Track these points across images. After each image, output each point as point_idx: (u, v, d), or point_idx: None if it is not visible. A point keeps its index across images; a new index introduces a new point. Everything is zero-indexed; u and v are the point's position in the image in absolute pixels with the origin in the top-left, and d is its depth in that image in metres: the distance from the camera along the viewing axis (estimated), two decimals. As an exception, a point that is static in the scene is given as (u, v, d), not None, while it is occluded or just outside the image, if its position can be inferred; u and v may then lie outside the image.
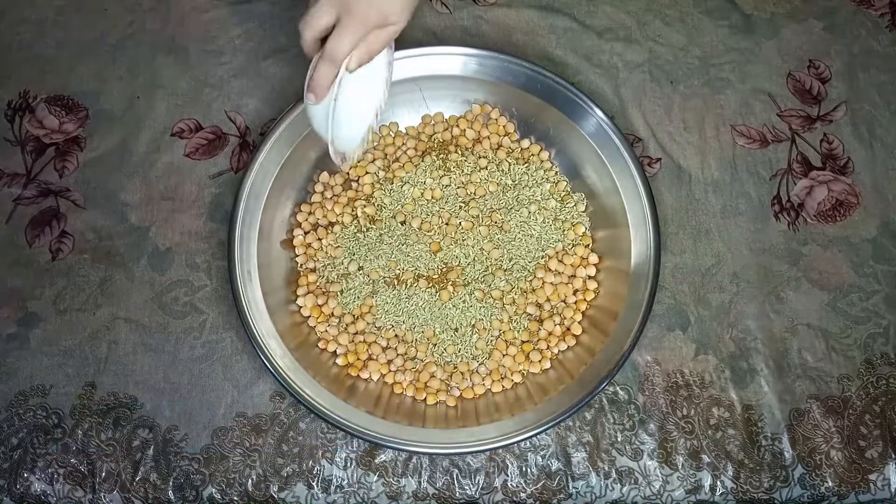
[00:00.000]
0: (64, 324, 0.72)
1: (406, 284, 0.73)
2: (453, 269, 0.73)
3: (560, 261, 0.73)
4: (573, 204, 0.75)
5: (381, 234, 0.74)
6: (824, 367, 0.71)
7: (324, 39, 0.59)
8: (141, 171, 0.78)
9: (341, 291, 0.73)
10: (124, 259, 0.74)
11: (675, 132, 0.79)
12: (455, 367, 0.71)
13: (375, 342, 0.71)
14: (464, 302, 0.72)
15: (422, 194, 0.76)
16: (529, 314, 0.72)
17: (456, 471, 0.69)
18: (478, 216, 0.75)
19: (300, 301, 0.72)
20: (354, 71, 0.60)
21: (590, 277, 0.73)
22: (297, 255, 0.74)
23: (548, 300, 0.72)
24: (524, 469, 0.69)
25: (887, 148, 0.79)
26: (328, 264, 0.74)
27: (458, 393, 0.70)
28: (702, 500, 0.68)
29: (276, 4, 0.85)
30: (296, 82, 0.81)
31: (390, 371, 0.71)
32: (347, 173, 0.77)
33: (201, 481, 0.68)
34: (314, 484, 0.68)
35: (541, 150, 0.77)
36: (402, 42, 0.82)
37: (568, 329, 0.72)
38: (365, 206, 0.75)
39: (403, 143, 0.78)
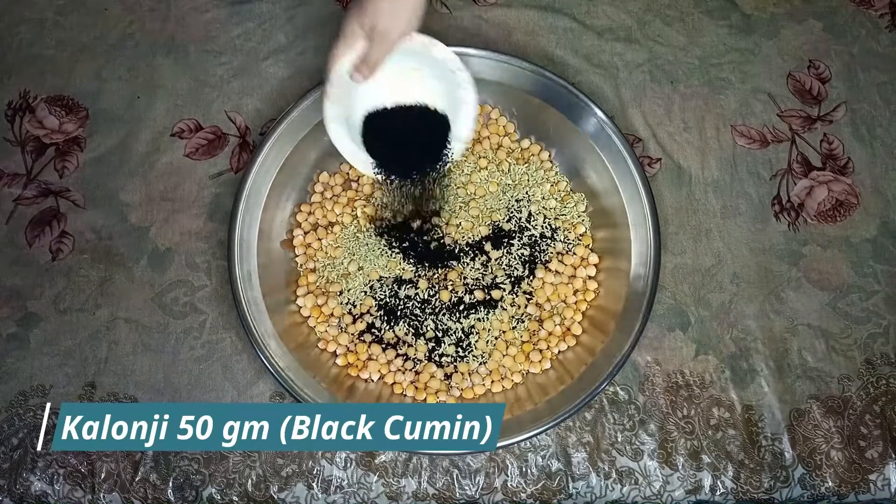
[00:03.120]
0: (64, 324, 0.72)
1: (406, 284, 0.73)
2: (453, 269, 0.73)
3: (560, 261, 0.73)
4: (573, 204, 0.75)
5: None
6: (824, 368, 0.71)
7: None
8: (141, 171, 0.78)
9: (341, 291, 0.73)
10: (124, 259, 0.74)
11: (675, 132, 0.79)
12: (455, 367, 0.71)
13: (375, 342, 0.71)
14: (464, 302, 0.72)
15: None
16: (529, 314, 0.72)
17: (456, 471, 0.69)
18: (478, 216, 0.74)
19: (300, 301, 0.72)
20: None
21: (590, 277, 0.73)
22: (297, 255, 0.74)
23: (548, 300, 0.72)
24: (524, 469, 0.69)
25: (887, 148, 0.79)
26: (328, 264, 0.74)
27: (458, 393, 0.70)
28: (702, 500, 0.68)
29: (276, 4, 0.85)
30: (296, 82, 0.81)
31: (390, 371, 0.71)
32: (347, 173, 0.77)
33: (201, 481, 0.68)
34: (314, 484, 0.68)
35: (541, 150, 0.77)
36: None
37: (568, 329, 0.72)
38: (365, 206, 0.75)
39: (403, 143, 0.78)
